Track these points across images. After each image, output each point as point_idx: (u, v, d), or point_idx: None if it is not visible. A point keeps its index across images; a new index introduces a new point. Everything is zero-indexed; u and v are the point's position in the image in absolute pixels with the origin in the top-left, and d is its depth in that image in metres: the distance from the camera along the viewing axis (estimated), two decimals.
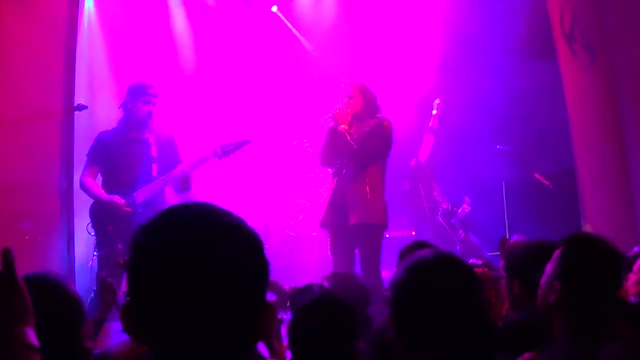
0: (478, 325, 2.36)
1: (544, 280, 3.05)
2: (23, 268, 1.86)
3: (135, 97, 7.46)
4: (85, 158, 7.53)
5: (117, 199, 7.26)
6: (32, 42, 7.68)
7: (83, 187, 7.46)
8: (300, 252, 9.60)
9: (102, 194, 7.36)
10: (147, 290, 1.57)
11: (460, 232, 9.73)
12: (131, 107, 7.45)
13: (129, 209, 7.24)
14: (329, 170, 7.76)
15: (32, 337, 1.80)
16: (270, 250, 9.59)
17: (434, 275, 2.38)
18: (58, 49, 7.78)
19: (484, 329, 2.38)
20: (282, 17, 11.18)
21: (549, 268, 3.04)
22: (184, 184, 7.46)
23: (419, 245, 2.92)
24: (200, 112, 10.40)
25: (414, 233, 9.82)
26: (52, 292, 2.67)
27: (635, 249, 5.63)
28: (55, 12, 7.80)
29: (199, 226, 1.60)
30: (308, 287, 3.87)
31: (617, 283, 3.01)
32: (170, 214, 1.65)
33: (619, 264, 3.02)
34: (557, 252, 3.04)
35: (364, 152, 7.38)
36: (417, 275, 2.40)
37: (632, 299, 4.45)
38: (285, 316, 3.93)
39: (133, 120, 7.48)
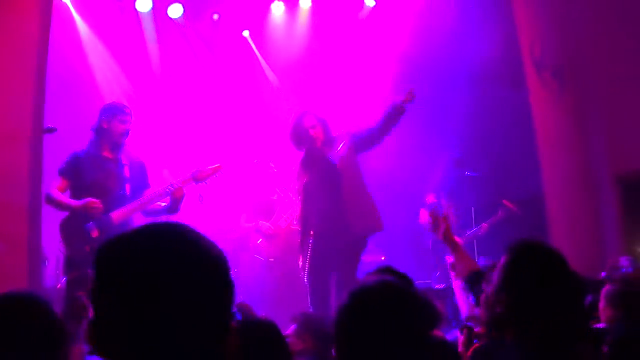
0: (412, 350, 2.42)
1: (490, 289, 3.06)
2: None
3: (111, 116, 7.36)
4: (57, 174, 7.37)
5: (90, 198, 7.05)
6: (2, 64, 7.65)
7: (49, 198, 7.20)
8: (267, 276, 9.56)
9: (70, 201, 7.12)
10: (111, 308, 1.58)
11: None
12: (107, 127, 7.33)
13: (101, 208, 7.07)
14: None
15: None
16: (240, 274, 9.59)
17: (373, 302, 2.45)
18: (28, 71, 7.74)
19: (418, 353, 2.43)
20: (252, 44, 11.25)
21: (495, 277, 3.04)
22: (175, 203, 7.40)
23: (383, 270, 2.94)
24: (169, 135, 10.42)
25: (383, 258, 9.82)
26: (35, 313, 2.63)
27: (603, 273, 5.69)
28: (26, 35, 7.77)
29: (165, 246, 1.61)
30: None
31: (566, 288, 2.99)
32: (138, 233, 1.66)
33: (564, 268, 3.02)
34: (501, 261, 3.05)
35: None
36: (357, 301, 2.48)
37: (601, 325, 4.47)
38: None
39: (108, 139, 7.36)
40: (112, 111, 7.41)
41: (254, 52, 11.32)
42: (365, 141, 7.68)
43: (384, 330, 2.39)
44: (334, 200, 7.52)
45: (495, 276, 3.04)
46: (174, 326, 1.56)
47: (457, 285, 4.53)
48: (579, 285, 3.02)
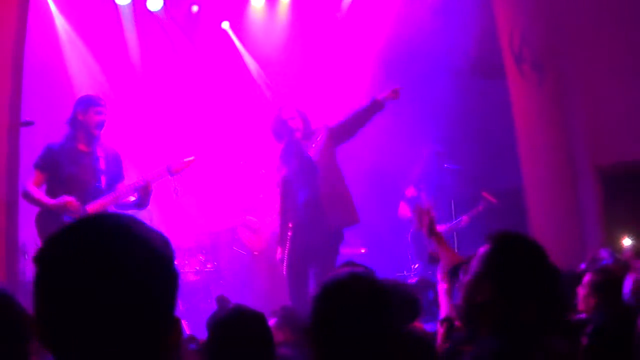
0: (384, 341, 2.46)
1: (468, 278, 3.03)
2: None
3: (86, 108, 7.31)
4: (32, 168, 7.31)
5: (67, 197, 6.97)
6: None
7: (26, 194, 7.15)
8: (252, 269, 9.59)
9: (48, 199, 7.05)
10: (52, 301, 1.56)
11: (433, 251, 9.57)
12: (82, 119, 7.28)
13: (79, 207, 6.99)
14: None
15: None
16: (225, 268, 9.60)
17: (343, 293, 2.51)
18: (5, 63, 7.68)
19: (391, 344, 2.48)
20: (232, 36, 11.21)
21: (474, 266, 3.01)
22: (144, 198, 7.33)
23: (347, 265, 2.96)
24: (148, 128, 10.39)
25: (363, 250, 9.82)
26: None
27: (582, 265, 5.70)
28: (3, 26, 7.70)
29: (107, 238, 1.59)
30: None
31: (548, 279, 2.99)
32: (80, 226, 1.63)
33: (546, 259, 3.01)
34: (482, 250, 3.01)
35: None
36: (328, 291, 2.54)
37: (583, 315, 4.49)
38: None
39: (84, 131, 7.30)
40: (87, 103, 7.36)
41: (234, 44, 11.28)
42: (340, 133, 7.68)
43: (356, 322, 2.44)
44: (311, 192, 7.52)
45: (474, 266, 3.01)
46: (110, 319, 1.54)
47: (442, 288, 4.52)
48: (560, 277, 3.02)
